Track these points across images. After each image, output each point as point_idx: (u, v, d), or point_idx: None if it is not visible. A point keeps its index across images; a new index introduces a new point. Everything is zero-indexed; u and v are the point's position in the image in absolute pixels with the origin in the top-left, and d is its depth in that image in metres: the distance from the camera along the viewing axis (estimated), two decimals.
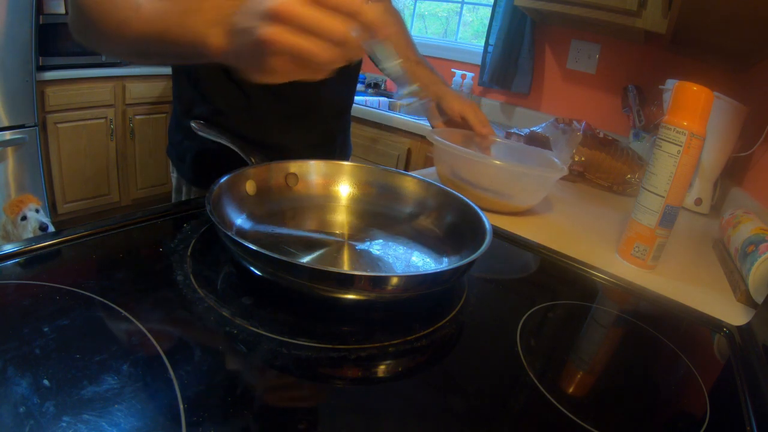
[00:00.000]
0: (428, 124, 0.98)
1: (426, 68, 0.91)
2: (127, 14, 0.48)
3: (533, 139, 1.15)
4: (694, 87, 0.63)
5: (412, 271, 0.53)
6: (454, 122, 0.92)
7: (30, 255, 0.47)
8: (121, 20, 0.48)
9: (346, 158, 0.91)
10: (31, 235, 1.56)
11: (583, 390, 0.44)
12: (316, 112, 0.79)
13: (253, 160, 0.61)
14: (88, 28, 0.53)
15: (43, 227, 1.60)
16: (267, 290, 0.47)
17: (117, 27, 0.49)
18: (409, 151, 1.89)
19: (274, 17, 0.35)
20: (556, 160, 0.90)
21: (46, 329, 0.36)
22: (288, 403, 0.34)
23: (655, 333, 0.53)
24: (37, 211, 1.64)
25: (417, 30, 2.61)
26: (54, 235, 0.50)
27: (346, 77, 0.83)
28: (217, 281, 0.48)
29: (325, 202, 0.64)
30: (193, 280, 0.46)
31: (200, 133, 0.68)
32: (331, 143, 0.85)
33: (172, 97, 0.81)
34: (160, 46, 0.47)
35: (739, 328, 0.56)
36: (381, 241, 0.59)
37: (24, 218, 1.60)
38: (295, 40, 0.36)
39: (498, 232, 0.72)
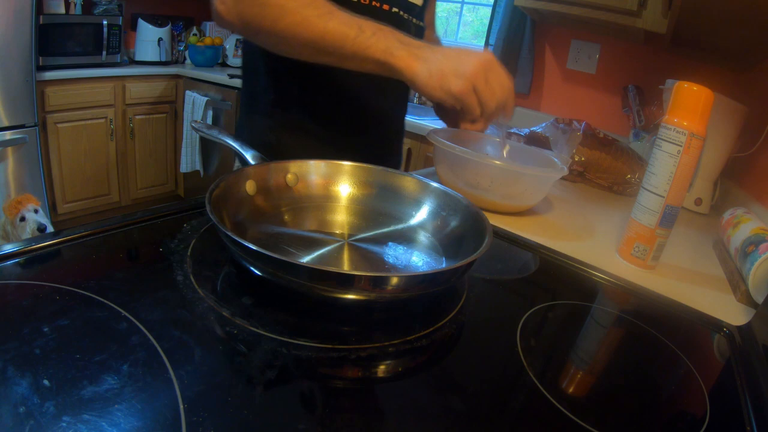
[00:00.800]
0: (428, 124, 0.99)
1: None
2: (322, 11, 0.59)
3: (533, 139, 1.15)
4: (694, 87, 0.63)
5: (412, 271, 0.53)
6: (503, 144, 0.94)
7: (30, 255, 0.47)
8: (314, 15, 0.59)
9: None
10: (29, 236, 1.56)
11: (583, 390, 0.44)
12: (375, 129, 0.87)
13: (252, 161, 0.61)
14: (262, 14, 0.60)
15: (41, 228, 1.60)
16: (267, 290, 0.47)
17: (304, 20, 0.59)
18: (409, 151, 1.89)
19: (481, 66, 0.59)
20: (556, 160, 0.90)
21: (46, 329, 0.36)
22: (288, 403, 0.34)
23: (655, 333, 0.53)
24: (36, 211, 1.64)
25: None
26: (54, 235, 0.50)
27: (397, 103, 0.91)
28: (217, 281, 0.48)
29: (325, 202, 0.64)
30: (193, 280, 0.46)
31: (200, 133, 0.68)
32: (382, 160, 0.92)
33: (247, 99, 0.85)
34: (347, 48, 0.59)
35: (739, 328, 0.56)
36: (381, 241, 0.59)
37: (23, 219, 1.60)
38: (485, 85, 0.59)
39: (498, 232, 0.72)
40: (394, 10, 0.76)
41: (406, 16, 0.79)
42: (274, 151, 0.81)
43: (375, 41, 0.59)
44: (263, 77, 0.80)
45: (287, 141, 0.81)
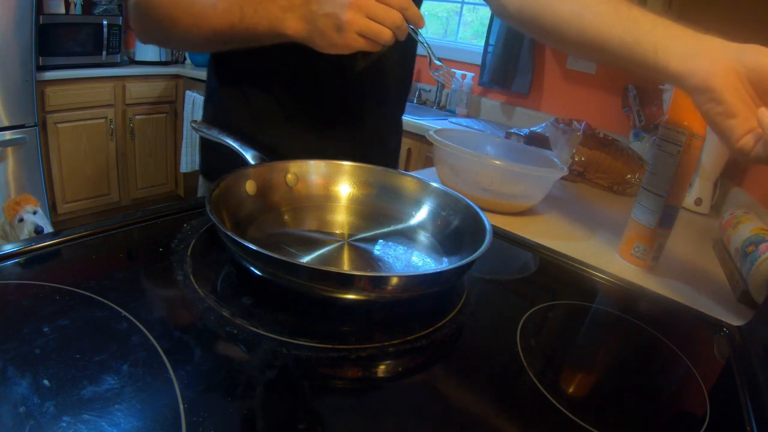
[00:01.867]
0: (428, 124, 0.97)
1: None
2: (204, 9, 0.58)
3: (533, 139, 1.15)
4: None
5: (412, 271, 0.53)
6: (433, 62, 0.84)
7: (30, 255, 0.47)
8: (198, 15, 0.58)
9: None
10: (27, 238, 1.56)
11: (583, 390, 0.44)
12: (359, 123, 0.81)
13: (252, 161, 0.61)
14: (158, 24, 0.61)
15: (38, 230, 1.59)
16: (267, 290, 0.47)
17: (194, 23, 0.59)
18: (409, 151, 1.89)
19: (353, 5, 0.52)
20: (556, 160, 0.90)
21: (46, 329, 0.36)
22: (288, 403, 0.34)
23: (655, 333, 0.53)
24: (34, 212, 1.63)
25: None
26: (54, 235, 0.50)
27: (387, 93, 0.84)
28: (217, 281, 0.48)
29: (325, 202, 0.64)
30: (193, 280, 0.46)
31: (200, 133, 0.68)
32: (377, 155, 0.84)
33: (209, 109, 0.82)
34: (237, 34, 0.58)
35: (739, 328, 0.56)
36: (381, 241, 0.59)
37: (21, 220, 1.60)
38: (367, 22, 0.53)
39: (498, 232, 0.72)
40: None
41: None
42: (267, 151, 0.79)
43: (258, 17, 0.56)
44: (237, 78, 0.76)
45: (266, 146, 0.74)
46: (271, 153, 0.65)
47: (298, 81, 0.74)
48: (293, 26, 0.55)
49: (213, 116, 0.80)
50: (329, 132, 0.78)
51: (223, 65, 0.77)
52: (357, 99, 0.79)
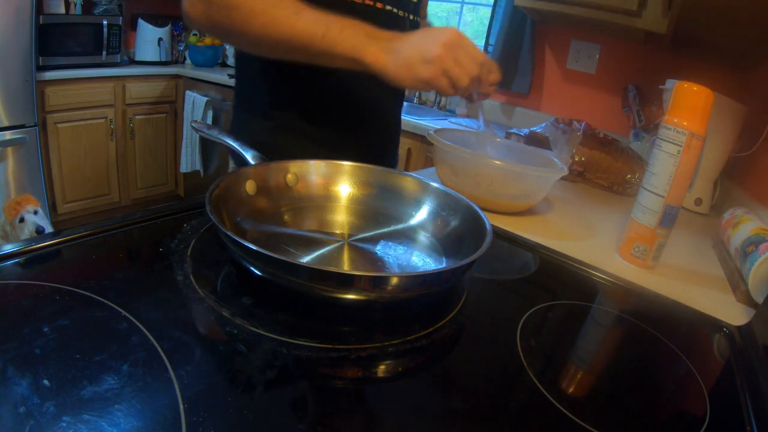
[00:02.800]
0: (428, 125, 1.00)
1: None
2: (288, 12, 0.59)
3: (533, 139, 1.15)
4: (694, 87, 0.63)
5: (412, 271, 0.53)
6: (486, 122, 0.92)
7: (30, 255, 0.47)
8: (280, 16, 0.59)
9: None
10: (28, 238, 1.56)
11: (583, 390, 0.44)
12: (371, 128, 0.87)
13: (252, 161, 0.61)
14: (230, 18, 0.60)
15: (39, 230, 1.59)
16: (267, 290, 0.47)
17: (271, 22, 0.59)
18: (409, 151, 1.89)
19: (446, 45, 0.58)
20: (556, 160, 0.90)
21: (46, 329, 0.36)
22: (288, 403, 0.34)
23: (655, 333, 0.53)
24: (35, 212, 1.63)
25: None
26: (54, 235, 0.50)
27: (394, 102, 0.92)
28: (217, 281, 0.48)
29: (325, 202, 0.64)
30: (193, 280, 0.46)
31: (200, 133, 0.68)
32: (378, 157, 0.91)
33: (241, 100, 0.85)
34: (312, 47, 0.60)
35: (739, 328, 0.56)
36: (381, 241, 0.59)
37: (22, 220, 1.60)
38: (455, 62, 0.58)
39: (498, 232, 0.72)
40: (388, 8, 0.76)
41: (401, 13, 0.79)
42: (270, 151, 0.80)
43: (342, 38, 0.59)
44: (258, 78, 0.80)
45: (283, 141, 0.81)
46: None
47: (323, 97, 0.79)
48: (374, 54, 0.59)
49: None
50: (337, 141, 0.82)
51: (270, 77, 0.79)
52: (375, 107, 0.85)
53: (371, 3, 0.74)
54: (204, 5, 0.61)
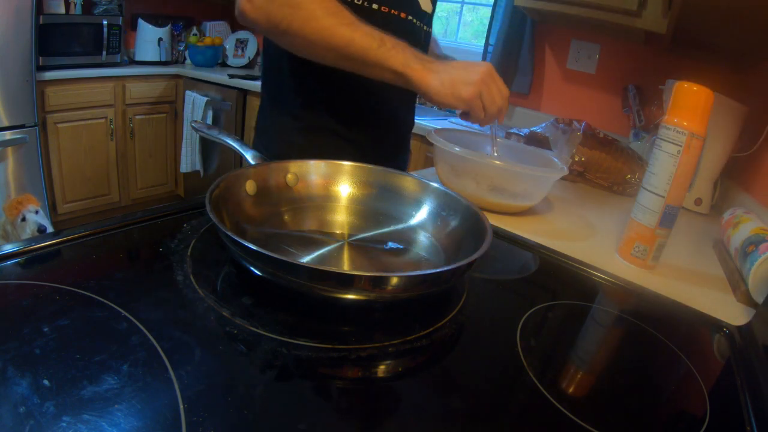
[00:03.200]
0: (428, 125, 1.02)
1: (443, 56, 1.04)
2: (350, 20, 0.64)
3: (533, 140, 1.15)
4: (694, 87, 0.63)
5: (412, 271, 0.52)
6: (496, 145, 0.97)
7: (30, 255, 0.47)
8: (341, 23, 0.64)
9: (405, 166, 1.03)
10: (29, 237, 1.56)
11: (583, 390, 0.44)
12: (394, 127, 0.93)
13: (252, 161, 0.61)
14: (291, 15, 0.63)
15: (41, 229, 1.59)
16: (267, 290, 0.47)
17: (332, 27, 0.63)
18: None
19: (485, 74, 0.67)
20: (555, 160, 0.90)
21: (46, 329, 0.36)
22: (288, 403, 0.34)
23: (655, 333, 0.53)
24: (36, 212, 1.63)
25: None
26: (54, 235, 0.50)
27: (410, 102, 0.98)
28: (217, 281, 0.48)
29: (325, 202, 0.64)
30: (193, 280, 0.46)
31: (200, 133, 0.68)
32: (396, 154, 0.97)
33: (270, 100, 0.88)
34: (365, 57, 0.65)
35: (739, 328, 0.56)
36: (381, 241, 0.59)
37: (23, 219, 1.60)
38: (491, 89, 0.67)
39: (498, 232, 0.72)
40: (410, 18, 0.80)
41: (418, 23, 0.82)
42: (301, 152, 0.83)
43: (394, 54, 0.65)
44: (287, 79, 0.82)
45: (315, 141, 0.83)
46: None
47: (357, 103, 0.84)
48: (421, 72, 0.65)
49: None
50: (363, 140, 0.86)
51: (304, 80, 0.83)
52: (398, 109, 0.91)
53: (396, 12, 0.78)
54: (265, 1, 0.63)
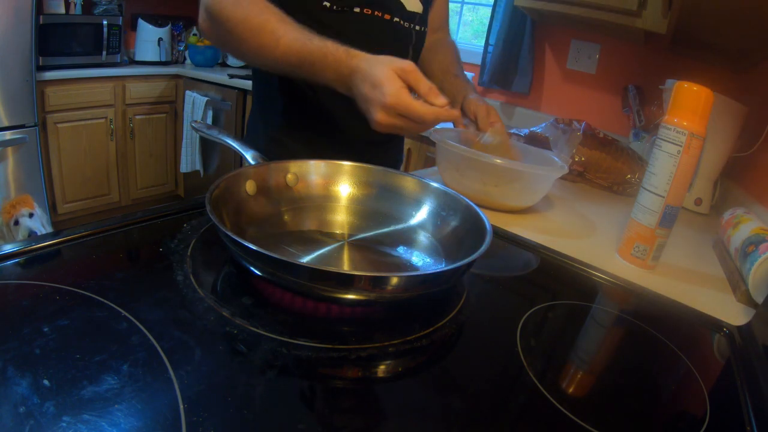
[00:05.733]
0: None
1: (462, 81, 0.97)
2: (269, 41, 0.63)
3: (533, 140, 1.15)
4: (694, 87, 0.63)
5: (412, 271, 0.53)
6: (470, 122, 0.95)
7: (30, 255, 0.47)
8: (261, 45, 0.63)
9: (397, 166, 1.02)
10: None
11: (583, 390, 0.44)
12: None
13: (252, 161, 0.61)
14: (226, 40, 0.67)
15: (32, 235, 1.59)
16: (267, 290, 0.47)
17: (257, 48, 0.64)
18: (409, 151, 1.89)
19: (386, 108, 0.56)
20: (556, 159, 0.90)
21: (46, 329, 0.36)
22: (288, 403, 0.34)
23: (655, 333, 0.53)
24: (30, 216, 1.61)
25: None
26: (54, 235, 0.50)
27: None
28: (217, 281, 0.48)
29: (325, 202, 0.64)
30: (193, 280, 0.46)
31: (200, 133, 0.68)
32: (385, 153, 0.96)
33: (259, 99, 0.90)
34: (296, 74, 0.64)
35: (739, 328, 0.56)
36: (381, 241, 0.59)
37: (16, 223, 1.59)
38: (395, 122, 0.57)
39: (498, 232, 0.72)
40: (395, 19, 0.79)
41: (406, 24, 0.82)
42: (285, 149, 0.83)
43: (314, 75, 0.62)
44: (275, 78, 0.83)
45: (299, 139, 0.84)
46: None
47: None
48: (345, 92, 0.62)
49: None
50: (351, 141, 0.85)
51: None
52: None
53: (379, 14, 0.77)
54: (210, 23, 0.67)
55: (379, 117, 0.57)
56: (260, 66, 0.70)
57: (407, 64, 0.58)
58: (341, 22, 0.73)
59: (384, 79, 0.56)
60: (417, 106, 0.56)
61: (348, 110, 0.84)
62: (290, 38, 0.62)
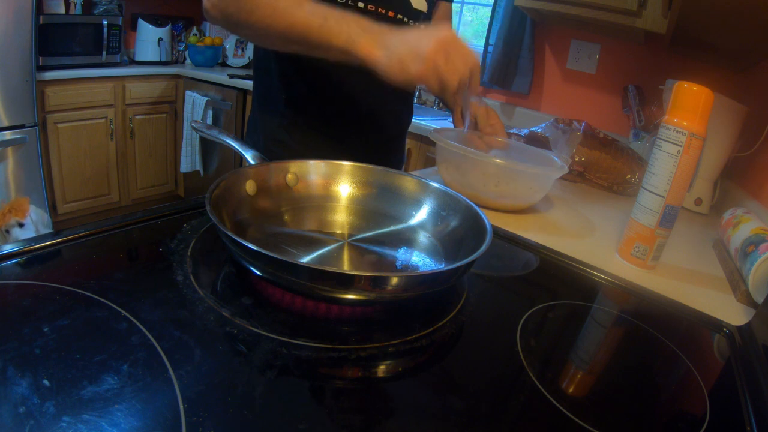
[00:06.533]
0: (428, 125, 1.02)
1: None
2: (290, 2, 0.60)
3: (533, 140, 1.15)
4: (694, 87, 0.63)
5: (412, 271, 0.53)
6: (471, 124, 0.95)
7: (30, 255, 0.47)
8: (282, 7, 0.61)
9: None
10: None
11: (583, 390, 0.44)
12: (381, 127, 0.91)
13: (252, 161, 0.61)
14: (237, 10, 0.63)
15: None
16: (267, 290, 0.47)
17: (273, 13, 0.61)
18: (409, 151, 1.89)
19: (439, 42, 0.57)
20: (556, 159, 0.90)
21: (46, 329, 0.36)
22: (288, 403, 0.34)
23: (655, 333, 0.53)
24: (20, 225, 1.59)
25: None
26: (54, 235, 0.50)
27: (403, 103, 0.95)
28: (217, 281, 0.48)
29: (325, 202, 0.64)
30: (193, 280, 0.46)
31: (200, 133, 0.68)
32: (387, 154, 0.96)
33: (259, 98, 0.89)
34: (311, 38, 0.61)
35: (739, 328, 0.56)
36: (381, 241, 0.59)
37: (8, 231, 1.58)
38: (446, 61, 0.57)
39: (498, 232, 0.72)
40: (399, 16, 0.79)
41: (411, 22, 0.82)
42: (285, 148, 0.83)
43: (338, 30, 0.59)
44: (275, 78, 0.83)
45: (298, 138, 0.84)
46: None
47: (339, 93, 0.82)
48: (367, 47, 0.59)
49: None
50: (349, 139, 0.86)
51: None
52: (383, 106, 0.88)
53: (383, 11, 0.77)
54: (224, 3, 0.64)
55: (432, 48, 0.56)
56: (268, 37, 0.65)
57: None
58: None
59: (437, 27, 0.60)
60: (453, 62, 0.58)
61: (349, 109, 0.84)
62: (314, 1, 0.61)
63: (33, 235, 1.62)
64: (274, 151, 0.84)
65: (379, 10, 0.76)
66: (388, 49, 0.58)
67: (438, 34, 0.58)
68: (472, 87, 0.62)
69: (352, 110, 0.85)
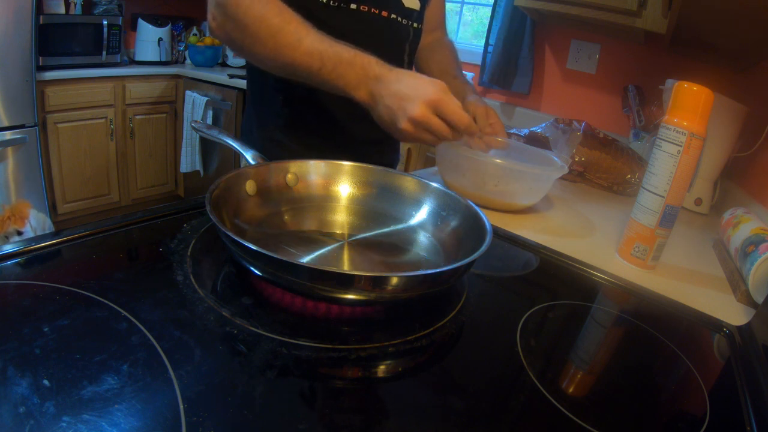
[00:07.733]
0: None
1: (461, 82, 0.98)
2: (290, 41, 0.62)
3: (533, 140, 1.15)
4: (694, 87, 0.63)
5: (412, 271, 0.52)
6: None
7: (30, 255, 0.47)
8: (280, 44, 0.62)
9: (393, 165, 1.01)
10: None
11: (583, 390, 0.44)
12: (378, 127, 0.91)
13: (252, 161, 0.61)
14: (239, 39, 0.65)
15: None
16: (267, 290, 0.47)
17: (275, 48, 0.62)
18: (409, 151, 1.89)
19: (429, 103, 0.59)
20: (556, 159, 0.90)
21: (46, 329, 0.36)
22: (288, 403, 0.34)
23: (655, 333, 0.53)
24: (19, 233, 1.58)
25: None
26: (54, 235, 0.50)
27: None
28: (217, 281, 0.48)
29: (325, 202, 0.64)
30: (193, 280, 0.46)
31: (200, 133, 0.68)
32: (381, 153, 0.96)
33: (254, 97, 0.89)
34: (311, 77, 0.63)
35: (739, 328, 0.56)
36: (381, 241, 0.59)
37: (6, 237, 1.57)
38: (420, 134, 0.61)
39: (498, 232, 0.72)
40: (393, 16, 0.79)
41: (404, 21, 0.82)
42: (280, 148, 0.83)
43: (335, 76, 0.62)
44: (271, 78, 0.83)
45: (294, 138, 0.84)
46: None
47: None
48: (363, 97, 0.62)
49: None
50: (345, 139, 0.85)
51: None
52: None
53: (377, 11, 0.77)
54: (222, 19, 0.65)
55: (419, 111, 0.58)
56: (271, 67, 0.67)
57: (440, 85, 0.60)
58: (338, 18, 0.73)
59: (427, 81, 0.60)
60: (441, 123, 0.60)
61: (345, 110, 0.84)
62: (313, 39, 0.62)
63: (37, 231, 1.61)
64: (272, 151, 0.84)
65: (372, 10, 0.76)
66: (379, 103, 0.61)
67: (426, 93, 0.59)
68: (483, 130, 0.67)
69: (347, 110, 0.84)
